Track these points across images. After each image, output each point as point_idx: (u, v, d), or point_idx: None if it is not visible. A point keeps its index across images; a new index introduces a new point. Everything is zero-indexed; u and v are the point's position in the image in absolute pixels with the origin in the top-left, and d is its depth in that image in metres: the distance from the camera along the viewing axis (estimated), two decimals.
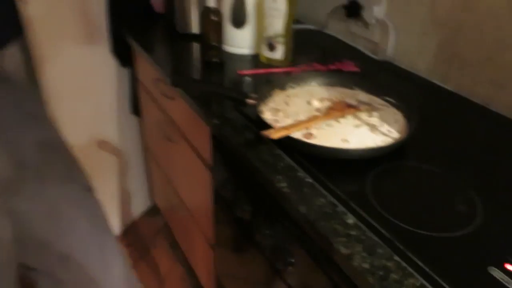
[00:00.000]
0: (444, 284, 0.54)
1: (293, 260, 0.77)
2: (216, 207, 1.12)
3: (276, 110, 0.91)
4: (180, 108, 1.20)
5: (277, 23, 1.16)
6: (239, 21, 1.24)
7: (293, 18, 1.17)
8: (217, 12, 1.17)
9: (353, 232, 0.62)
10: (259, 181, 0.77)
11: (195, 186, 1.29)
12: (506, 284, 0.55)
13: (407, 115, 0.90)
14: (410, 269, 0.56)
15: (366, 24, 1.33)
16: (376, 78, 1.19)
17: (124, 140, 1.75)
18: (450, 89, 1.12)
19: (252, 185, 0.86)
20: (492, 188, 0.74)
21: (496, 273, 0.57)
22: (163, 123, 1.42)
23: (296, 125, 0.81)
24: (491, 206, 0.69)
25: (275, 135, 0.74)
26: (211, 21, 1.17)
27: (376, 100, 0.98)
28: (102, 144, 1.66)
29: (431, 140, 0.88)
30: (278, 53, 1.20)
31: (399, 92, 1.01)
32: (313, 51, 1.35)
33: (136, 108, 1.71)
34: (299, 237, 0.73)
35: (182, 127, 1.26)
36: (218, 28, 1.19)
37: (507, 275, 0.56)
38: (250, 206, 0.89)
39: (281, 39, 1.18)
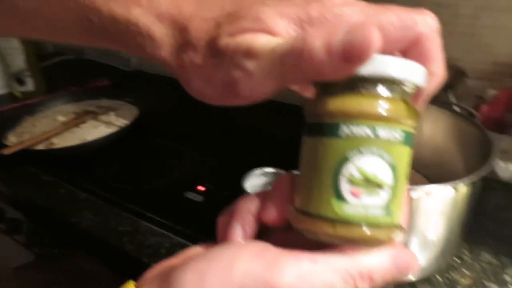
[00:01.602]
0: (156, 216, 0.73)
1: None
2: None
3: (21, 133, 1.01)
4: None
5: (19, 60, 1.25)
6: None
7: (35, 52, 1.28)
8: None
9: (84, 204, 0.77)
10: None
11: None
12: (196, 200, 0.76)
13: (140, 108, 1.10)
14: (132, 216, 0.74)
15: None
16: (125, 86, 1.37)
17: None
18: None
19: None
20: (196, 144, 0.98)
21: (190, 194, 0.78)
22: None
23: (33, 138, 0.92)
24: (191, 154, 0.92)
25: (8, 151, 0.85)
26: None
27: (117, 103, 1.15)
28: None
29: (165, 123, 1.09)
30: (29, 86, 1.29)
31: (138, 91, 1.20)
32: (73, 76, 1.48)
33: None
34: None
35: None
36: None
37: (198, 194, 0.78)
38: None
39: (27, 73, 1.27)
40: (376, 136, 0.22)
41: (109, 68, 1.54)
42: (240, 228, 0.27)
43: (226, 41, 0.24)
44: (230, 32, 0.24)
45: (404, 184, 0.24)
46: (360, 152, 0.22)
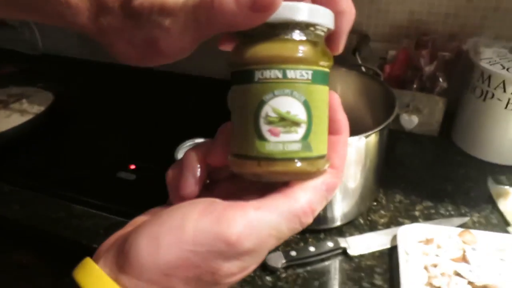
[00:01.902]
0: (89, 199, 0.72)
1: None
2: None
3: None
4: None
5: None
6: None
7: None
8: None
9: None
10: None
11: None
12: (129, 178, 0.77)
13: (55, 93, 1.05)
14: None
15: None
16: (34, 71, 1.29)
17: None
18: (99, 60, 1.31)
19: None
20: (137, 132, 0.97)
21: (122, 174, 0.78)
22: None
23: None
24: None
25: None
26: None
27: (29, 89, 1.09)
28: None
29: (84, 106, 1.06)
30: None
31: (49, 76, 1.14)
32: None
33: None
34: None
35: None
36: None
37: (130, 172, 0.78)
38: None
39: None
40: (286, 77, 0.24)
41: (14, 54, 1.43)
42: (192, 177, 0.28)
43: (140, 1, 0.24)
44: None
45: (322, 120, 0.26)
46: (274, 94, 0.24)
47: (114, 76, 1.21)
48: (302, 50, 0.24)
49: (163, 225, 0.24)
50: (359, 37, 0.87)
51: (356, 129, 0.64)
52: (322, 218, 0.63)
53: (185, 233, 0.23)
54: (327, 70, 0.26)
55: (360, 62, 0.79)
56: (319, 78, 0.25)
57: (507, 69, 0.68)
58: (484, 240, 0.57)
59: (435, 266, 0.54)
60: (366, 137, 0.58)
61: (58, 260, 0.73)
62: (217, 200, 0.25)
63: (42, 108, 0.98)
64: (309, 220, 0.25)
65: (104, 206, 0.72)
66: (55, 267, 0.74)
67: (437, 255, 0.56)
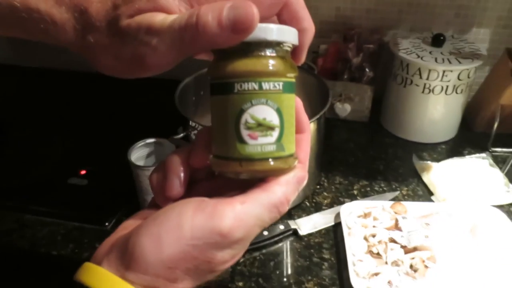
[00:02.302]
0: (42, 208, 0.72)
1: None
2: None
3: None
4: None
5: None
6: None
7: None
8: None
9: None
10: None
11: None
12: (81, 184, 0.78)
13: None
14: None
15: None
16: None
17: None
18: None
19: None
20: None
21: (74, 180, 0.79)
22: None
23: None
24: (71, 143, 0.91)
25: None
26: None
27: None
28: None
29: (26, 113, 1.03)
30: None
31: None
32: None
33: None
34: None
35: None
36: None
37: (82, 178, 0.79)
38: None
39: None
40: (262, 89, 0.27)
41: None
42: (176, 179, 0.31)
43: (127, 21, 0.26)
44: (128, 13, 0.26)
45: (291, 123, 0.29)
46: (252, 104, 0.27)
47: (53, 80, 1.18)
48: (274, 65, 0.28)
49: (162, 225, 0.27)
50: None
51: None
52: None
53: (183, 230, 0.26)
54: (293, 80, 0.30)
55: None
56: (288, 87, 0.29)
57: (422, 58, 0.77)
58: (412, 209, 0.66)
59: (373, 236, 0.62)
60: None
61: (17, 271, 0.73)
62: (205, 199, 0.28)
63: None
64: (285, 209, 0.29)
65: (59, 213, 0.72)
66: (15, 279, 0.73)
67: (374, 226, 0.63)
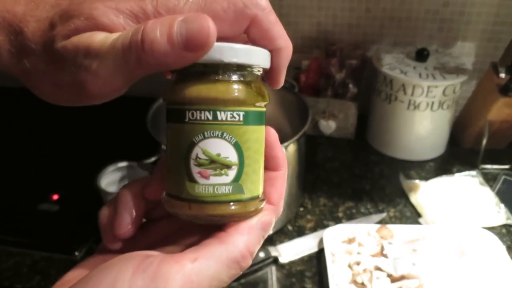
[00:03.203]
0: (8, 237, 0.68)
1: None
2: None
3: None
4: None
5: None
6: None
7: None
8: None
9: None
10: None
11: None
12: (52, 210, 0.73)
13: None
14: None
15: None
16: None
17: None
18: None
19: None
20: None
21: (44, 206, 0.75)
22: None
23: None
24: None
25: None
26: None
27: None
28: None
29: None
30: None
31: None
32: None
33: None
34: None
35: None
36: None
37: (52, 203, 0.75)
38: None
39: None
40: (216, 119, 0.23)
41: None
42: (127, 214, 0.27)
43: (62, 43, 0.23)
44: (64, 33, 0.23)
45: (256, 160, 0.25)
46: (204, 136, 0.24)
47: (26, 99, 1.14)
48: (233, 91, 0.24)
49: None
50: None
51: None
52: None
53: None
54: (262, 109, 0.26)
55: None
56: (252, 118, 0.25)
57: (405, 73, 0.75)
58: (399, 233, 0.63)
59: (358, 263, 0.58)
60: (285, 148, 0.60)
61: None
62: (152, 253, 0.24)
63: None
64: (248, 263, 0.25)
65: (26, 243, 0.68)
66: None
67: (358, 253, 0.60)
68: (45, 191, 0.78)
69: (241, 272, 0.25)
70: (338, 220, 0.70)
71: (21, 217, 0.73)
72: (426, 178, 0.77)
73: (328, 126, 0.89)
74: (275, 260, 0.63)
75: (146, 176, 0.29)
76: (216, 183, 0.24)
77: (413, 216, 0.70)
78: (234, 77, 0.24)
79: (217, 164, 0.24)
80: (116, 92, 0.24)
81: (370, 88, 0.84)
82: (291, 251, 0.64)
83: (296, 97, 0.70)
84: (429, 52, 0.78)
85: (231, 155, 0.24)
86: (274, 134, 0.28)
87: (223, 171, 0.24)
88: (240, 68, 0.24)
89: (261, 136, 0.26)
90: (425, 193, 0.73)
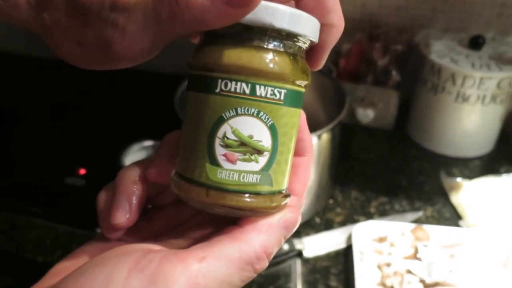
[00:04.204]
0: (34, 208, 0.68)
1: None
2: None
3: None
4: None
5: None
6: None
7: None
8: None
9: None
10: None
11: None
12: (78, 184, 0.73)
13: None
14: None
15: None
16: None
17: None
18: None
19: None
20: None
21: (71, 180, 0.74)
22: None
23: None
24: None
25: None
26: None
27: None
28: None
29: (26, 106, 1.00)
30: None
31: None
32: None
33: None
34: None
35: None
36: None
37: (79, 178, 0.74)
38: None
39: None
40: (254, 94, 0.20)
41: None
42: (125, 201, 0.24)
43: None
44: None
45: (289, 149, 0.22)
46: (237, 112, 0.20)
47: (59, 73, 1.15)
48: (278, 63, 0.20)
49: (84, 285, 0.19)
50: None
51: (308, 125, 0.63)
52: None
53: None
54: (303, 90, 0.22)
55: None
56: (293, 99, 0.21)
57: (456, 62, 0.68)
58: (436, 235, 0.58)
59: (388, 265, 0.54)
60: (318, 136, 0.56)
61: (3, 274, 0.69)
62: (153, 248, 0.21)
63: None
64: (264, 265, 0.22)
65: (51, 215, 0.68)
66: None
67: (389, 253, 0.55)
68: (73, 165, 0.77)
69: (256, 275, 0.22)
70: (369, 216, 0.66)
71: (48, 190, 0.73)
72: (470, 177, 0.71)
73: (366, 115, 0.83)
74: (299, 254, 0.60)
75: (150, 157, 0.25)
76: (243, 170, 0.21)
77: (452, 217, 0.65)
78: (281, 47, 0.20)
79: (247, 148, 0.20)
80: (145, 54, 0.21)
81: (415, 76, 0.78)
82: (317, 245, 0.61)
83: (333, 83, 0.65)
84: (485, 39, 0.71)
85: (265, 139, 0.21)
86: (303, 116, 0.24)
87: (253, 157, 0.21)
88: (289, 36, 0.21)
89: (297, 121, 0.22)
90: (468, 193, 0.67)
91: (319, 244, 0.61)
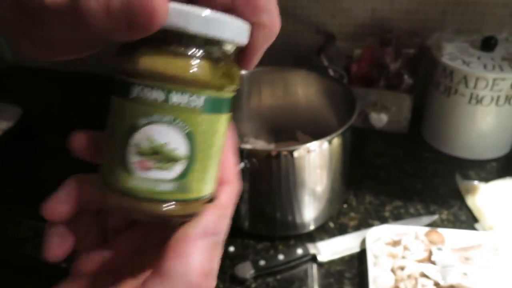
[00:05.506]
0: None
1: None
2: None
3: None
4: None
5: None
6: None
7: None
8: None
9: None
10: None
11: None
12: None
13: (24, 107, 1.03)
14: None
15: None
16: (1, 85, 1.26)
17: None
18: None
19: None
20: None
21: None
22: None
23: None
24: None
25: None
26: None
27: None
28: None
29: (56, 119, 1.04)
30: None
31: (18, 89, 1.12)
32: None
33: None
34: None
35: None
36: None
37: None
38: None
39: None
40: (170, 101, 0.19)
41: None
42: (56, 236, 0.24)
43: None
44: None
45: (209, 155, 0.21)
46: (151, 120, 0.19)
47: (88, 86, 1.18)
48: (196, 70, 0.19)
49: None
50: (324, 37, 0.86)
51: (320, 131, 0.63)
52: (291, 224, 0.63)
53: None
54: (228, 95, 0.21)
55: (325, 62, 0.79)
56: (214, 105, 0.20)
57: (468, 64, 0.68)
58: (451, 239, 0.57)
59: (402, 268, 0.54)
60: (329, 141, 0.57)
61: (28, 281, 0.72)
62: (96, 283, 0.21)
63: (10, 123, 0.96)
64: (209, 284, 0.21)
65: None
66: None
67: (403, 257, 0.55)
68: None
69: None
70: (384, 220, 0.66)
71: None
72: (486, 179, 0.71)
73: (379, 119, 0.83)
74: (313, 258, 0.60)
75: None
76: (157, 178, 0.20)
77: (468, 220, 0.64)
78: (200, 52, 0.20)
79: (161, 156, 0.20)
80: (84, 51, 0.20)
81: (428, 79, 0.78)
82: (331, 249, 0.61)
83: (344, 88, 0.66)
84: (498, 40, 0.71)
85: (180, 147, 0.20)
86: (233, 137, 0.24)
87: (167, 165, 0.20)
88: (209, 42, 0.20)
89: (222, 127, 0.21)
90: (485, 196, 0.66)
91: (333, 249, 0.61)
